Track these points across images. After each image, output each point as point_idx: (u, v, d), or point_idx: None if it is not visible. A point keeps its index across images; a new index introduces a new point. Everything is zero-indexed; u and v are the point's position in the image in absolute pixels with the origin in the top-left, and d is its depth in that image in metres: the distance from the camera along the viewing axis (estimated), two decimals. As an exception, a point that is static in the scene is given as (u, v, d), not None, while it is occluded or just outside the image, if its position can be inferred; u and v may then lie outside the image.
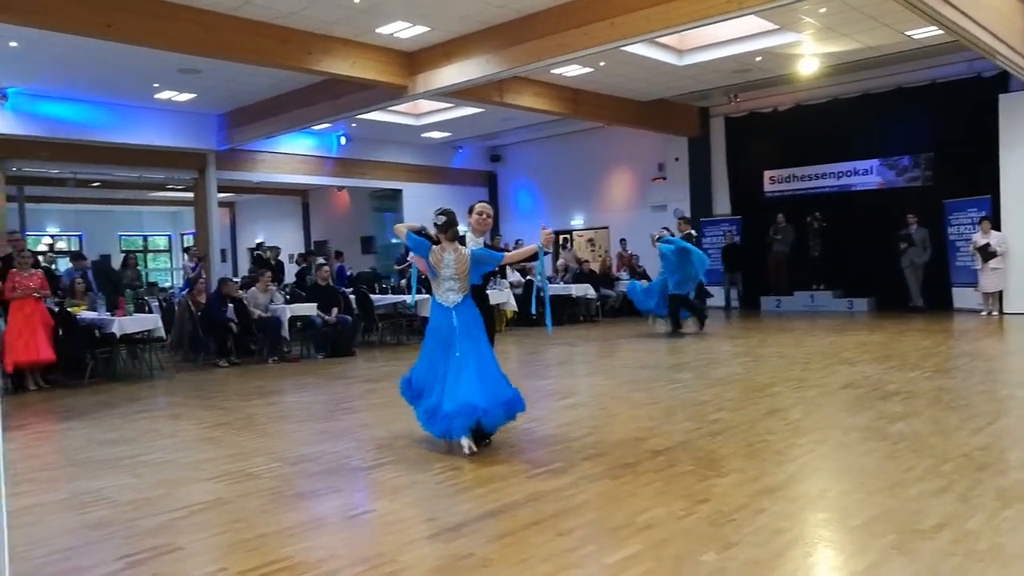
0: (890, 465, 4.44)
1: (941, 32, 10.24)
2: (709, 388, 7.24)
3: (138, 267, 15.60)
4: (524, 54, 10.76)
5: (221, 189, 18.11)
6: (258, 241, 18.54)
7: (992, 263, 12.81)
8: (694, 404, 6.47)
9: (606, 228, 19.80)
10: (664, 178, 18.30)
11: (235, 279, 13.03)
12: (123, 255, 17.03)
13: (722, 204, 17.63)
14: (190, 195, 18.29)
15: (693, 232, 12.88)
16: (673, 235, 12.12)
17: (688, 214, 17.80)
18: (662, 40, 12.22)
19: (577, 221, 20.34)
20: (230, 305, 10.58)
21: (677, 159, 17.97)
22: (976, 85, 13.55)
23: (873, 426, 5.41)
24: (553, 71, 13.12)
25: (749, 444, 5.03)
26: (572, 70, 13.25)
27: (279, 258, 16.62)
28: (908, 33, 12.00)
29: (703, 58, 13.20)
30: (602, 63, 12.87)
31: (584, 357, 10.47)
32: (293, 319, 10.90)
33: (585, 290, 15.48)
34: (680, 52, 13.24)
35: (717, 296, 17.21)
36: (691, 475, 4.36)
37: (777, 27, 11.92)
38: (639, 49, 12.24)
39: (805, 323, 13.15)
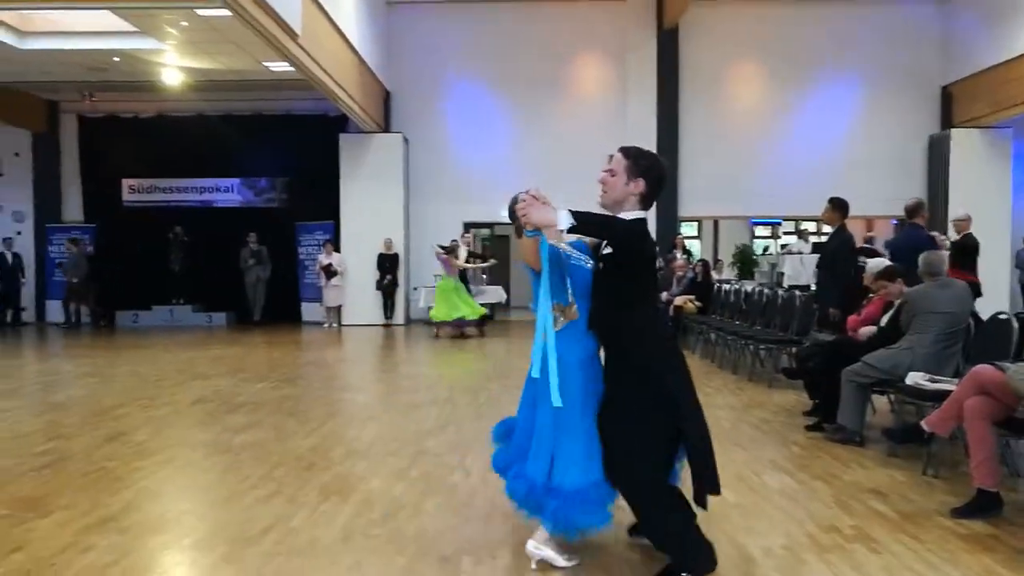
0: (230, 477, 4.57)
1: (294, 69, 11.19)
2: (41, 416, 6.43)
3: None
4: None
5: None
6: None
7: (333, 281, 14.52)
8: (17, 436, 5.64)
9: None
10: (1, 174, 15.76)
11: None
12: None
13: (74, 210, 16.02)
14: None
15: None
16: None
17: (31, 217, 15.76)
18: (-3, 14, 10.52)
19: None
20: None
21: (17, 154, 15.69)
22: (323, 122, 15.22)
23: (219, 440, 5.52)
24: None
25: (84, 474, 4.60)
26: None
27: None
28: (266, 64, 12.79)
29: (50, 46, 11.79)
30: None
31: None
32: None
33: None
34: (22, 33, 11.57)
35: (58, 312, 15.52)
36: (3, 521, 3.76)
37: (137, 30, 11.39)
38: (-36, 18, 10.30)
39: (163, 339, 12.80)
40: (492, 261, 14.29)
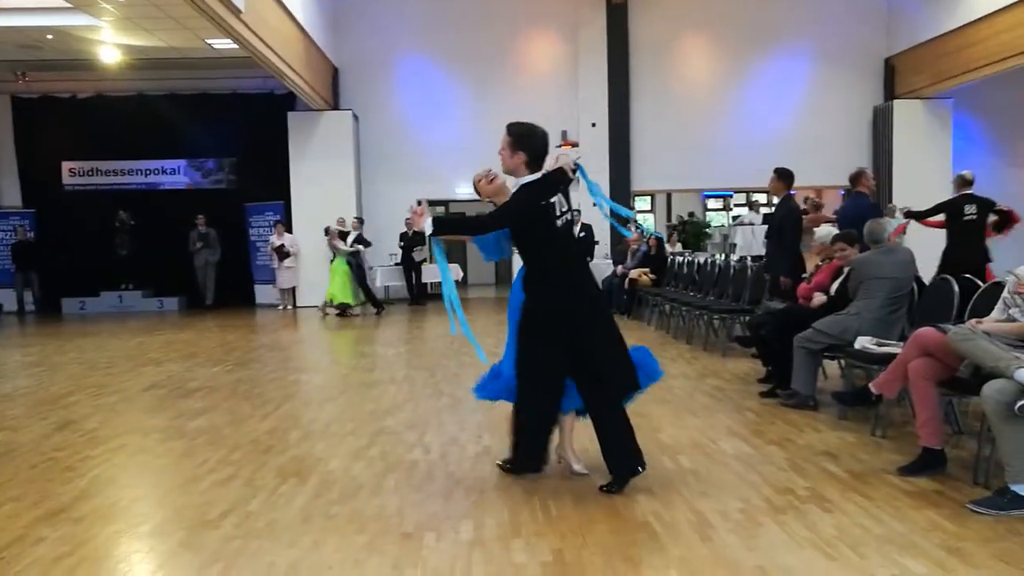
0: (186, 462, 4.49)
1: (238, 46, 10.91)
2: (-13, 408, 6.23)
3: None
4: None
5: None
6: None
7: (287, 262, 14.30)
8: (-36, 429, 5.47)
9: None
10: (-68, 159, 15.15)
11: None
12: None
13: (11, 195, 15.49)
14: None
15: None
16: None
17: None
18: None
19: None
20: None
21: (-50, 137, 15.07)
22: (269, 100, 14.90)
23: (173, 425, 5.42)
24: None
25: (32, 465, 4.48)
26: None
27: None
28: (209, 41, 12.43)
29: (-21, 23, 11.32)
30: None
31: None
32: None
33: None
34: (-53, 10, 11.08)
35: (7, 299, 15.05)
36: (-50, 516, 3.65)
37: (70, 6, 10.97)
38: None
39: (113, 325, 12.51)
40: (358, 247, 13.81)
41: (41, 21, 11.38)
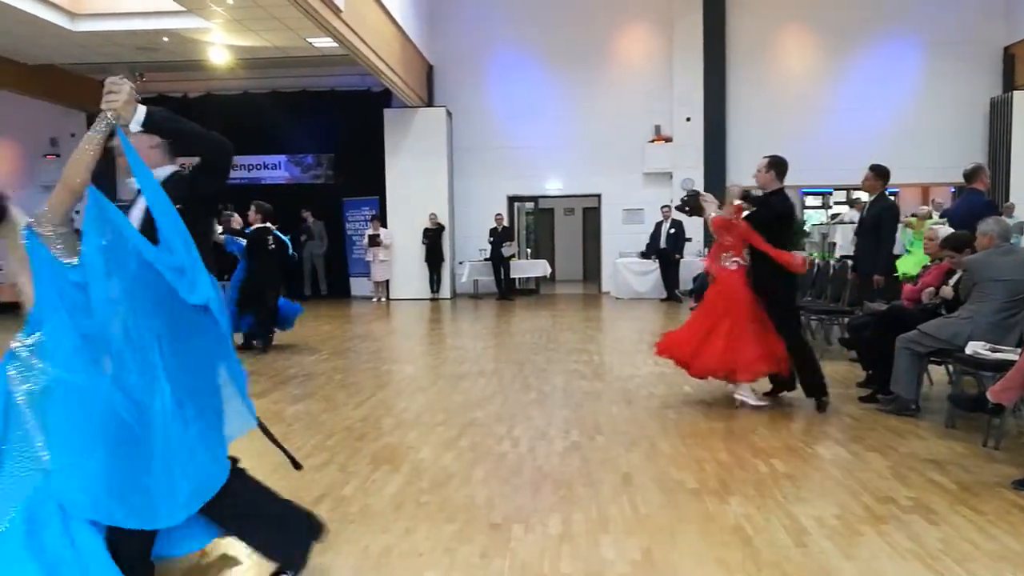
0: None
1: (338, 45, 11.23)
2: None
3: None
4: None
5: None
6: None
7: (381, 255, 14.65)
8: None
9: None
10: (58, 155, 16.21)
11: None
12: None
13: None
14: None
15: None
16: None
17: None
18: (50, -3, 10.77)
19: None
20: None
21: (73, 135, 16.04)
22: (367, 97, 15.28)
23: (271, 410, 5.63)
24: None
25: (145, 444, 4.74)
26: (-75, 10, 10.70)
27: None
28: (310, 40, 12.84)
29: (101, 27, 12.03)
30: (-30, 9, 10.70)
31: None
32: None
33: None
34: (74, 15, 11.83)
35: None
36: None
37: (184, 9, 11.53)
38: (21, 2, 10.56)
39: (217, 314, 13.11)
40: None
41: (157, 24, 12.01)
